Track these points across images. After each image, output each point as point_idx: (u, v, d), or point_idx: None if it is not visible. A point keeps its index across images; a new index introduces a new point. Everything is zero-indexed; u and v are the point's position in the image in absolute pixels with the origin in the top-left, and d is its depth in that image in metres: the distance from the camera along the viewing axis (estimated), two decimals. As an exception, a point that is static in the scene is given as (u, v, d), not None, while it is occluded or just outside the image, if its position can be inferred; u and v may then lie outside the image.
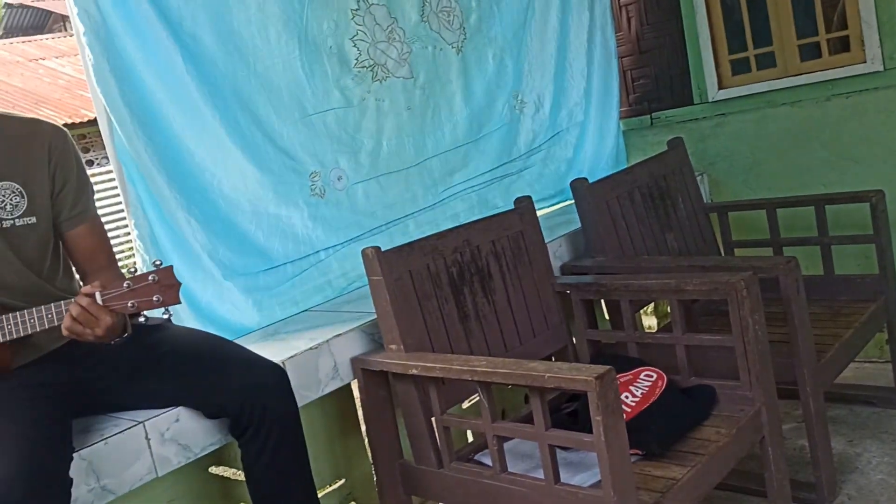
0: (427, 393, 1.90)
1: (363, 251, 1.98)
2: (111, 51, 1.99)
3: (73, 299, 1.54)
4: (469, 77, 2.95)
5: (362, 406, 2.05)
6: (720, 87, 3.31)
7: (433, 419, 1.93)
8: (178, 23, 2.14)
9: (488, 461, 1.92)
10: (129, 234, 2.24)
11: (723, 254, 2.96)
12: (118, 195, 2.21)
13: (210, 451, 1.79)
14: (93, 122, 6.94)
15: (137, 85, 2.06)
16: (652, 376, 2.07)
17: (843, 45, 3.09)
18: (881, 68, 2.96)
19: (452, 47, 2.89)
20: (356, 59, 2.60)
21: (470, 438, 2.32)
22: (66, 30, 12.21)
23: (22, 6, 12.73)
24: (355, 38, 2.60)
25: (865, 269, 2.88)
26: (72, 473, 1.46)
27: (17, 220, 1.64)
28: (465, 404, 2.52)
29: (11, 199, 1.64)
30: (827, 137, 3.11)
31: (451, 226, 2.91)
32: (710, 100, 3.33)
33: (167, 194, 2.15)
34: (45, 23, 12.43)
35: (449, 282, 2.09)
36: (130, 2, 2.02)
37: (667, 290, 2.11)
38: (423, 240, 2.10)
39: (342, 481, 2.24)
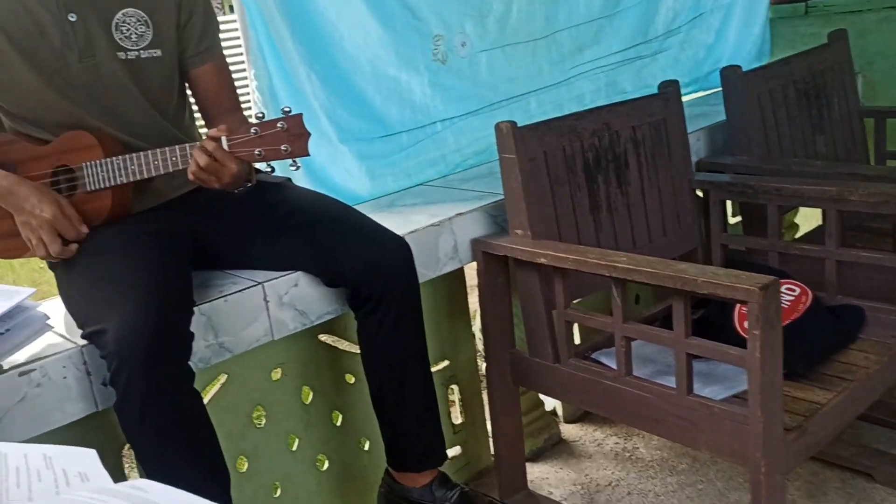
0: (551, 284, 1.78)
1: (497, 125, 1.82)
2: None
3: (198, 143, 1.44)
4: (612, -55, 2.67)
5: (479, 291, 1.95)
6: (892, -26, 2.94)
7: (554, 312, 1.81)
8: None
9: (607, 361, 1.82)
10: (246, 86, 2.14)
11: (874, 164, 2.69)
12: (239, 46, 2.10)
13: (325, 319, 1.72)
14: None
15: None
16: (795, 290, 1.90)
17: None
18: None
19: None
20: (492, -84, 2.36)
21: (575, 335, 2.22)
22: None
23: None
24: None
25: None
26: (191, 328, 1.40)
27: (141, 52, 1.54)
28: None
29: (137, 29, 1.52)
30: None
31: (575, 107, 2.74)
32: (877, -11, 2.96)
33: (289, 46, 2.02)
34: None
35: (584, 167, 1.93)
36: None
37: (826, 197, 1.90)
38: (561, 119, 1.92)
39: (446, 363, 2.18)
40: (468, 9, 2.39)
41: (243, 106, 1.87)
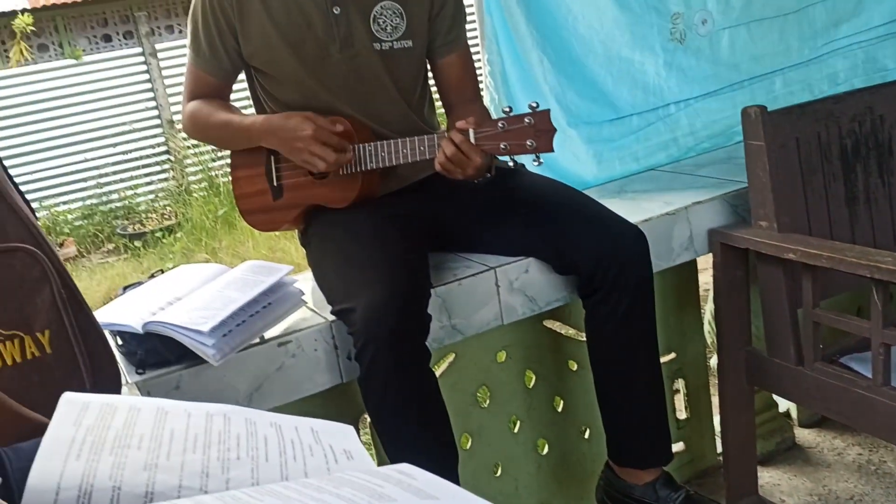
0: (798, 281, 1.65)
1: (744, 110, 1.71)
2: None
3: (445, 134, 1.48)
4: None
5: (715, 284, 1.85)
6: None
7: (800, 311, 1.69)
8: None
9: (859, 368, 1.67)
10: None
11: None
12: (473, 30, 2.14)
13: (554, 306, 1.72)
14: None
15: None
16: None
17: None
18: None
19: None
20: None
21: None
22: None
23: None
24: None
25: None
26: (429, 309, 1.45)
27: (395, 43, 1.60)
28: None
29: (392, 20, 1.59)
30: None
31: (826, 87, 2.52)
32: None
33: (523, 30, 2.03)
34: None
35: (840, 155, 1.77)
36: None
37: None
38: (818, 102, 1.77)
39: (673, 355, 2.10)
40: (713, -16, 2.27)
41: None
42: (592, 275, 1.57)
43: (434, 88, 1.80)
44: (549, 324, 1.91)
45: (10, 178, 1.04)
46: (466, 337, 1.63)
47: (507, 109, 1.46)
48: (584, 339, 1.70)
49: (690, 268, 2.06)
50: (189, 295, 1.45)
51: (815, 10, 2.47)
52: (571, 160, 2.17)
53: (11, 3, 7.64)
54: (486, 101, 2.04)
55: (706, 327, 2.18)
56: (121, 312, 1.43)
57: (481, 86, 2.06)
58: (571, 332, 1.93)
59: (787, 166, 1.70)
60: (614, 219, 1.60)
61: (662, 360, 2.05)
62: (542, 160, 1.47)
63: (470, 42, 1.78)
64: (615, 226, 1.58)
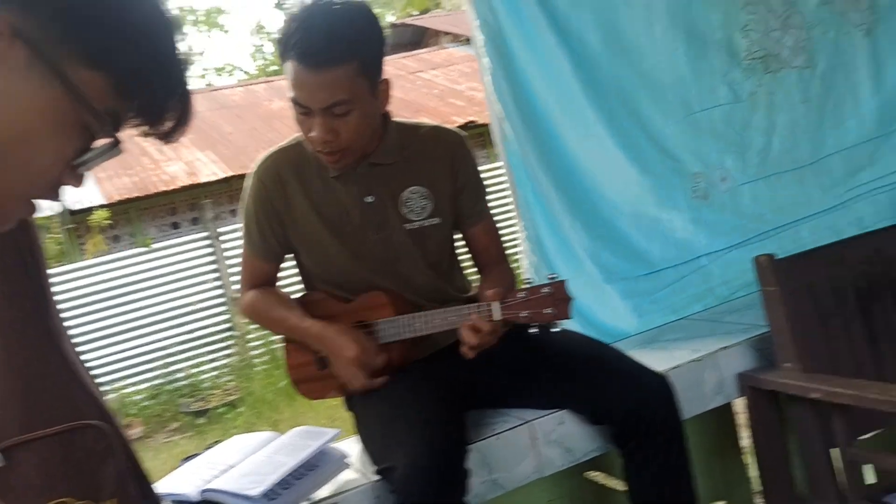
0: (829, 420, 1.69)
1: (756, 259, 1.82)
2: (506, 58, 2.08)
3: (475, 310, 1.60)
4: (880, 62, 2.59)
5: (751, 428, 1.89)
6: None
7: (833, 450, 1.71)
8: (566, 26, 2.17)
9: (904, 507, 1.66)
10: (511, 231, 2.33)
11: None
12: (498, 194, 2.33)
13: (591, 456, 1.77)
14: (463, 126, 7.46)
15: (528, 90, 2.13)
16: None
17: None
18: None
19: (860, 29, 2.56)
20: (746, 50, 2.43)
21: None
22: (439, 44, 13.38)
23: (403, 25, 14.25)
24: (746, 27, 2.43)
25: None
26: (468, 465, 1.53)
27: (424, 222, 1.77)
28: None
29: (419, 203, 1.77)
30: None
31: (853, 232, 2.59)
32: None
33: (552, 197, 2.19)
34: (422, 38, 13.83)
35: (856, 296, 1.84)
36: (523, 10, 2.10)
37: None
38: (825, 248, 1.87)
39: (723, 503, 2.09)
40: (727, 145, 2.44)
41: (513, 250, 2.03)
42: (624, 424, 1.63)
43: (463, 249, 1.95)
44: (590, 475, 1.95)
45: (82, 362, 1.19)
46: (508, 491, 1.68)
47: (528, 281, 1.60)
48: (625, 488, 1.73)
49: (728, 411, 2.09)
50: (241, 462, 1.56)
51: (832, 161, 2.60)
52: (610, 315, 2.27)
53: (88, 199, 8.25)
54: (525, 265, 2.19)
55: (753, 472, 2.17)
56: (179, 482, 1.55)
57: (520, 250, 2.22)
58: (613, 482, 1.95)
59: (803, 309, 1.77)
60: (640, 369, 1.68)
61: (713, 507, 2.06)
62: (561, 326, 1.59)
63: (504, 210, 1.94)
64: (641, 376, 1.66)
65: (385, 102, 1.69)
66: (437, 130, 1.83)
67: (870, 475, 2.05)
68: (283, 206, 1.77)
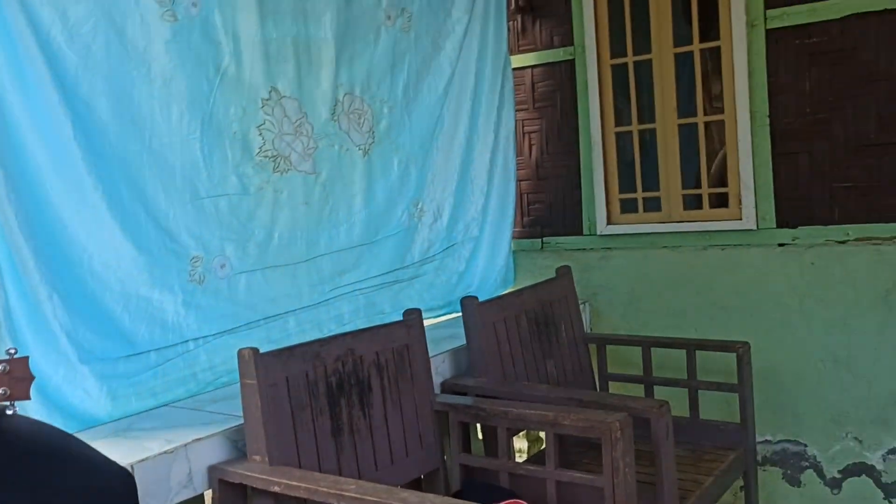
0: (289, 512, 1.78)
1: (239, 351, 1.87)
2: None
3: None
4: (372, 180, 2.94)
5: (214, 519, 1.90)
6: (608, 223, 3.43)
7: (291, 541, 1.80)
8: (74, 88, 2.04)
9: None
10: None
11: (597, 385, 2.99)
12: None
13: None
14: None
15: (17, 145, 1.93)
16: (520, 512, 2.02)
17: (722, 201, 3.27)
18: (754, 227, 3.13)
19: (360, 149, 2.88)
20: (259, 147, 2.55)
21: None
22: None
23: None
24: (262, 126, 2.55)
25: (728, 417, 2.96)
26: None
27: None
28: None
29: None
30: (701, 284, 3.24)
31: (333, 326, 2.85)
32: (598, 233, 3.43)
33: (31, 266, 1.99)
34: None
35: (326, 392, 2.00)
36: (24, 59, 1.91)
37: (544, 422, 2.09)
38: (306, 345, 2.01)
39: None
40: (230, 234, 2.49)
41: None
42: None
43: None
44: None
45: None
46: None
47: (13, 351, 1.42)
48: None
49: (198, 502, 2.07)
50: None
51: (323, 261, 2.83)
52: (82, 397, 2.10)
53: None
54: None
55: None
56: None
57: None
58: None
59: (278, 403, 1.87)
60: (100, 462, 1.57)
61: None
62: (16, 408, 1.42)
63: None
64: (100, 470, 1.56)
65: None
66: None
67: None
68: None
